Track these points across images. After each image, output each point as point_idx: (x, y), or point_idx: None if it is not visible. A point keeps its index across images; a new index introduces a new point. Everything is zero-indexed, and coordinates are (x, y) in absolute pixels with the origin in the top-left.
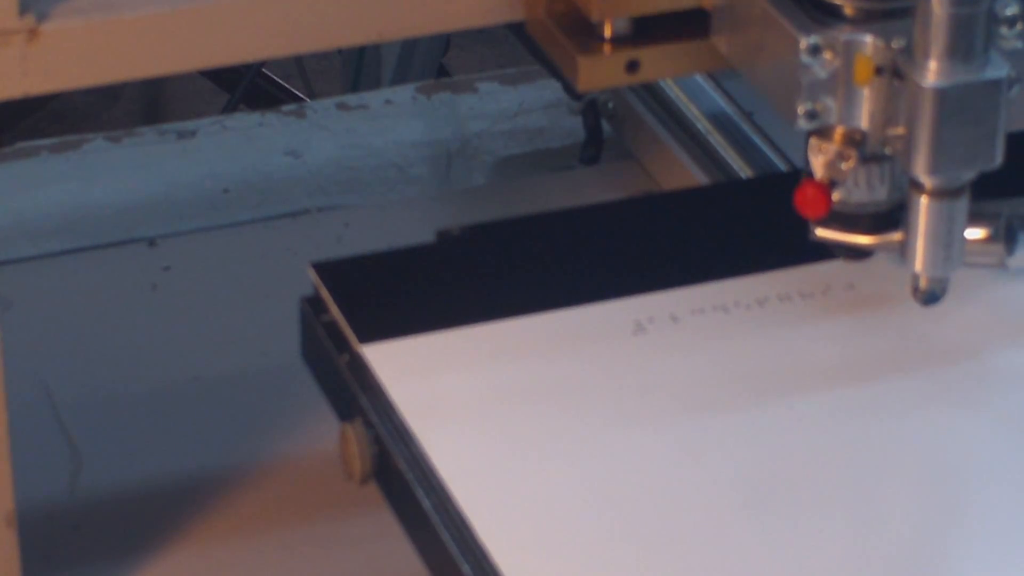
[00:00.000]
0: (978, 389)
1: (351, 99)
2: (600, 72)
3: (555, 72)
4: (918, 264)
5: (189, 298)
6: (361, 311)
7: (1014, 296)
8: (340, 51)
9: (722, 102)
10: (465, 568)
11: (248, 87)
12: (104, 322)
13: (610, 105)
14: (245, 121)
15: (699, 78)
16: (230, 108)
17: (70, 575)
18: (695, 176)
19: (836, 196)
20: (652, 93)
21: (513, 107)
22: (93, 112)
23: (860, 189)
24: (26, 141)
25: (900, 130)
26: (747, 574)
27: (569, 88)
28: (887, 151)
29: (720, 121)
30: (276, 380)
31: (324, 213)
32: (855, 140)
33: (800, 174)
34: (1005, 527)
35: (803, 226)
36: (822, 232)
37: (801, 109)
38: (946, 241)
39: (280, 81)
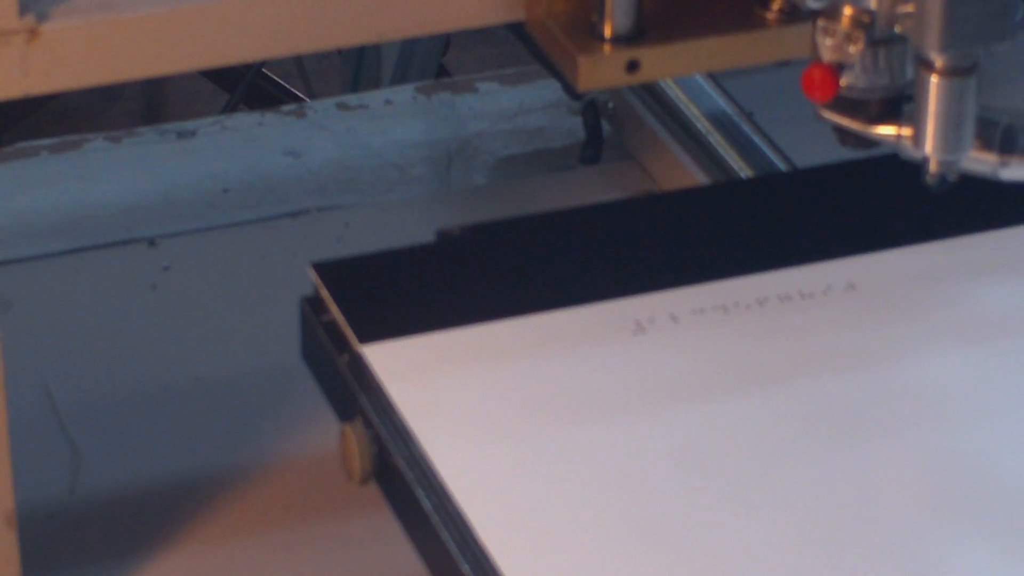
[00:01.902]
0: (977, 387)
1: (351, 99)
2: (600, 72)
3: (555, 72)
4: (928, 146)
5: (189, 298)
6: (361, 311)
7: (1014, 294)
8: (340, 51)
9: (722, 102)
10: (465, 568)
11: (248, 87)
12: (104, 322)
13: (610, 105)
14: (245, 121)
15: (699, 78)
16: (230, 108)
17: (70, 575)
18: (695, 176)
19: (843, 81)
20: (652, 93)
21: (513, 107)
22: (93, 112)
23: (868, 73)
24: (26, 141)
25: (910, 7)
26: (746, 573)
27: (569, 88)
28: (896, 30)
29: (720, 121)
30: (276, 380)
31: (324, 213)
32: (863, 22)
33: (800, 174)
34: (1011, 522)
35: (803, 226)
36: (828, 114)
37: None
38: (956, 122)
39: (280, 81)
